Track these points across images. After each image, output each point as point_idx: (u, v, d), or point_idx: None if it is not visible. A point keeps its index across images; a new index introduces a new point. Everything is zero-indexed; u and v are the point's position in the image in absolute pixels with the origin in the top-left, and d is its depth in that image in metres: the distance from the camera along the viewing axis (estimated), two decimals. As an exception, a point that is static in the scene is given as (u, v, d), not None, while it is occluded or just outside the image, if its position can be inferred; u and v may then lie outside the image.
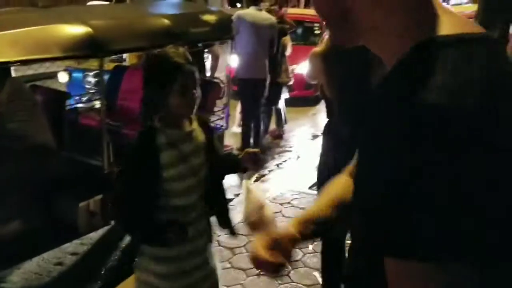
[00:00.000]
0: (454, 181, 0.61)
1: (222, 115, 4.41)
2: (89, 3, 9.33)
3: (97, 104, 4.28)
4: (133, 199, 1.92)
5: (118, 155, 3.74)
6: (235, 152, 4.26)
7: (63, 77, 5.08)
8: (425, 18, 0.72)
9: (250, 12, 5.35)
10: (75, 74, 5.27)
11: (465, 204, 0.61)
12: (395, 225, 0.64)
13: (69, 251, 3.78)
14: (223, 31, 4.15)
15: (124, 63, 5.38)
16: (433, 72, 0.66)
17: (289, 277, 3.40)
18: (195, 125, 2.07)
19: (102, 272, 3.61)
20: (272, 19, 5.54)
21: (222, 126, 4.32)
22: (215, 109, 4.43)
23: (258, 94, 5.53)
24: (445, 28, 0.70)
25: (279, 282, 3.34)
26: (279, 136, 6.71)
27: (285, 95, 6.47)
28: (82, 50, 3.01)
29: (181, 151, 1.97)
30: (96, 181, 3.34)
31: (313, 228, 1.17)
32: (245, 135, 5.64)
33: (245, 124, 5.66)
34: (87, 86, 5.16)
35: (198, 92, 1.94)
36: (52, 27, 2.92)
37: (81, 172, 3.39)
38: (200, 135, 2.09)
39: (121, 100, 4.53)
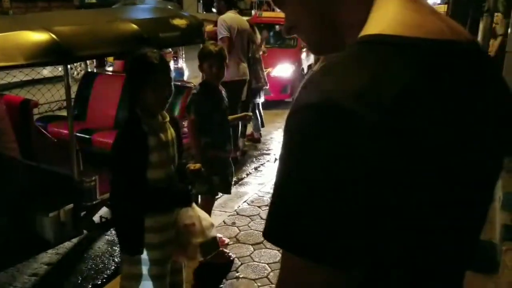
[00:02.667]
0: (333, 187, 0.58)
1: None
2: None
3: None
4: (139, 179, 2.22)
5: (89, 163, 3.69)
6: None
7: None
8: (368, 15, 0.68)
9: (232, 16, 5.37)
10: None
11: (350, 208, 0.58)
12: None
13: (44, 261, 3.74)
14: (194, 35, 4.12)
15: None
16: (327, 72, 0.62)
17: (268, 279, 3.39)
18: (167, 119, 2.38)
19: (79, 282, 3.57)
20: (247, 22, 5.62)
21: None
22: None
23: (236, 98, 5.49)
24: (386, 27, 0.64)
25: (258, 284, 3.32)
26: (256, 139, 6.69)
27: (261, 98, 6.45)
28: (46, 57, 2.95)
29: (160, 139, 2.29)
30: (66, 190, 3.27)
31: None
32: None
33: None
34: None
35: (170, 90, 2.30)
36: (14, 34, 2.86)
37: (51, 182, 3.31)
38: (171, 130, 2.40)
39: (91, 107, 4.46)
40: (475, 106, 0.68)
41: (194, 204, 2.49)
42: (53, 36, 2.99)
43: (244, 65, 5.53)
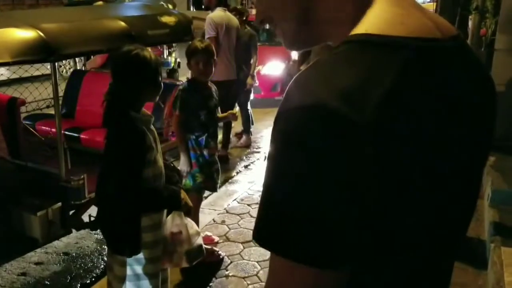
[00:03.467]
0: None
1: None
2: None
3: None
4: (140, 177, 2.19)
5: (77, 161, 3.66)
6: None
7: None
8: (359, 13, 0.67)
9: (221, 14, 5.27)
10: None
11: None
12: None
13: (33, 260, 3.72)
14: (183, 33, 4.10)
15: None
16: (314, 73, 0.63)
17: (258, 277, 3.38)
18: (151, 118, 2.34)
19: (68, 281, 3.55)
20: (237, 20, 5.52)
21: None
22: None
23: (230, 96, 5.47)
24: (371, 25, 0.65)
25: (248, 282, 3.32)
26: (246, 144, 6.61)
27: (250, 96, 6.43)
28: (33, 55, 2.92)
29: (153, 135, 2.27)
30: (54, 189, 3.24)
31: None
32: None
33: None
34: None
35: (160, 83, 2.29)
36: (0, 31, 2.82)
37: (38, 181, 3.28)
38: (154, 128, 2.36)
39: (80, 105, 4.42)
40: (458, 105, 0.68)
41: (181, 212, 2.48)
42: (40, 33, 2.96)
43: (231, 66, 5.46)
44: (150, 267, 2.34)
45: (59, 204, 3.23)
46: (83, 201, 3.35)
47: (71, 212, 3.46)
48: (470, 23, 5.23)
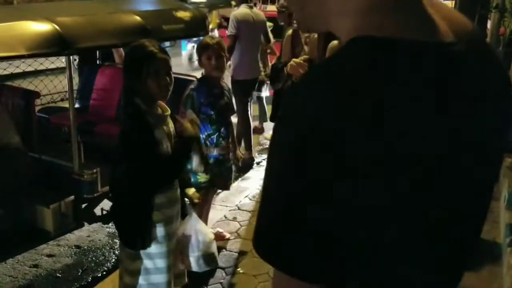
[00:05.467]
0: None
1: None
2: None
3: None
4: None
5: (91, 155, 3.67)
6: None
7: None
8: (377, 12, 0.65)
9: (246, 11, 5.15)
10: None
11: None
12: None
13: (45, 253, 3.74)
14: (197, 28, 4.08)
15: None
16: (310, 82, 0.63)
17: (268, 274, 3.37)
18: (168, 113, 2.35)
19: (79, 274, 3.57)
20: (264, 17, 5.41)
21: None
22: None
23: (250, 92, 5.43)
24: (377, 26, 0.63)
25: (259, 280, 3.31)
26: (259, 130, 6.66)
27: (265, 92, 6.41)
28: (47, 48, 2.92)
29: (164, 131, 2.26)
30: (67, 182, 3.25)
31: None
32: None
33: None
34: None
35: (170, 78, 2.24)
36: (15, 24, 2.82)
37: (52, 174, 3.29)
38: (171, 124, 2.37)
39: (94, 99, 4.43)
40: (468, 113, 0.65)
41: (195, 215, 2.46)
42: (56, 26, 2.96)
43: (257, 64, 5.33)
44: (161, 261, 2.34)
45: (72, 197, 3.24)
46: (95, 194, 3.35)
47: (83, 206, 3.47)
48: (489, 22, 5.14)
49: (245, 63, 5.17)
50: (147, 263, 2.32)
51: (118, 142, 2.28)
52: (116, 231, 2.42)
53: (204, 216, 3.50)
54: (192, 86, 3.24)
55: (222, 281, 3.29)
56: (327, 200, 0.56)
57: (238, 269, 3.42)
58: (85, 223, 3.56)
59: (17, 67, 4.22)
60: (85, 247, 3.88)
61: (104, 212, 3.77)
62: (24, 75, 4.53)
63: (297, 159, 0.57)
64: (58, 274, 3.53)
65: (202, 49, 3.23)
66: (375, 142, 0.56)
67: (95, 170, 3.28)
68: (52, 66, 4.75)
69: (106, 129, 4.02)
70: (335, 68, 0.61)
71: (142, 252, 2.30)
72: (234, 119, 4.24)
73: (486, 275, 3.27)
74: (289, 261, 0.60)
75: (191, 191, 2.57)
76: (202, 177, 3.26)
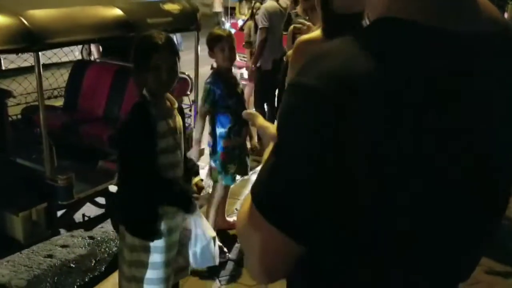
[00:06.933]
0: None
1: (189, 113, 4.08)
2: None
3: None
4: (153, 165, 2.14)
5: (71, 157, 3.46)
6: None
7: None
8: None
9: (274, 4, 5.29)
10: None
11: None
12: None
13: (59, 243, 3.78)
14: (188, 22, 3.82)
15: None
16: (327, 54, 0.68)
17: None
18: (175, 106, 2.28)
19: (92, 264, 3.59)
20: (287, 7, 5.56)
21: (189, 125, 3.99)
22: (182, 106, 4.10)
23: (276, 84, 5.49)
24: (403, 8, 0.67)
25: None
26: None
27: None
28: (13, 44, 2.70)
29: (169, 124, 2.19)
30: (40, 188, 3.04)
31: None
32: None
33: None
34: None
35: (173, 73, 2.15)
36: (-23, 18, 2.61)
37: (24, 179, 3.08)
38: (179, 117, 2.31)
39: (83, 97, 4.21)
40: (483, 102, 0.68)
41: (198, 210, 2.36)
42: (23, 21, 2.74)
43: (279, 55, 5.43)
44: (160, 256, 2.27)
45: (45, 204, 3.02)
46: (71, 201, 3.13)
47: (61, 212, 3.27)
48: (506, 14, 4.77)
49: (269, 54, 5.35)
50: (146, 256, 2.25)
51: (120, 130, 2.24)
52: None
53: (221, 209, 3.70)
54: (208, 80, 3.24)
55: (233, 273, 3.25)
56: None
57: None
58: (63, 231, 3.36)
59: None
60: (99, 238, 3.90)
61: (86, 218, 3.57)
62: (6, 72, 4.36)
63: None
64: (71, 264, 3.60)
65: (215, 41, 3.22)
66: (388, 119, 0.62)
67: (69, 175, 3.06)
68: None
69: (92, 129, 3.80)
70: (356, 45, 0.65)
71: (142, 244, 2.23)
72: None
73: (501, 270, 3.15)
74: (287, 220, 0.69)
75: (197, 179, 2.51)
76: (232, 168, 3.37)
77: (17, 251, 3.23)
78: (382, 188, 0.64)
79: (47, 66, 4.46)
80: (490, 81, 0.68)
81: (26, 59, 4.17)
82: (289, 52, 3.63)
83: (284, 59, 4.82)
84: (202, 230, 2.39)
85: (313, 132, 0.63)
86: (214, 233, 2.50)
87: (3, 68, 4.37)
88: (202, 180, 2.56)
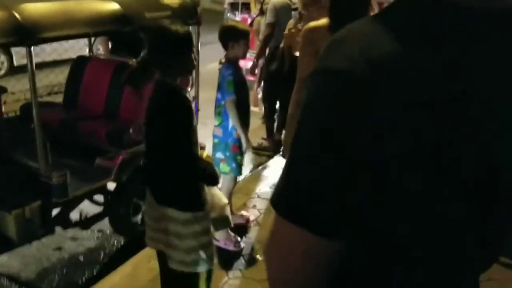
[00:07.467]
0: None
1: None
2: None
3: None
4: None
5: (67, 154, 3.41)
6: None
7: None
8: None
9: (282, 0, 5.25)
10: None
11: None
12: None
13: (69, 236, 3.74)
14: (187, 16, 3.74)
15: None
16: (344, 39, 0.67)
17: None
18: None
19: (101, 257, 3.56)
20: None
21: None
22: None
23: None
24: None
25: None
26: None
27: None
28: (5, 38, 2.64)
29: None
30: (35, 186, 2.98)
31: None
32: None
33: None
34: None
35: (195, 57, 2.27)
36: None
37: (19, 176, 3.03)
38: None
39: (83, 94, 4.15)
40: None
41: None
42: (15, 14, 2.68)
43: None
44: (206, 223, 2.34)
45: (39, 202, 2.96)
46: (66, 199, 3.07)
47: (56, 210, 3.21)
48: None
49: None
50: (200, 225, 2.30)
51: (156, 111, 2.24)
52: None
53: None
54: (230, 72, 3.23)
55: (241, 268, 3.23)
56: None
57: (257, 256, 3.35)
58: (59, 229, 3.30)
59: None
60: (108, 231, 3.84)
61: (84, 217, 3.52)
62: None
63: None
64: (80, 257, 3.57)
65: (240, 35, 3.25)
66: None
67: (64, 172, 3.00)
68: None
69: (91, 126, 3.74)
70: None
71: (195, 216, 2.27)
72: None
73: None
74: (312, 218, 0.67)
75: (205, 154, 2.58)
76: (240, 159, 3.37)
77: (9, 250, 3.16)
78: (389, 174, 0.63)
79: (57, 63, 4.42)
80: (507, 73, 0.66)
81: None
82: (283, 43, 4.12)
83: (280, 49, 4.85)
84: (222, 201, 2.59)
85: (343, 115, 0.62)
86: (226, 200, 2.70)
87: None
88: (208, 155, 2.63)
